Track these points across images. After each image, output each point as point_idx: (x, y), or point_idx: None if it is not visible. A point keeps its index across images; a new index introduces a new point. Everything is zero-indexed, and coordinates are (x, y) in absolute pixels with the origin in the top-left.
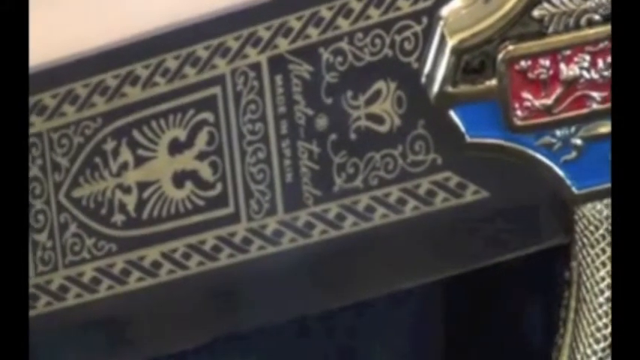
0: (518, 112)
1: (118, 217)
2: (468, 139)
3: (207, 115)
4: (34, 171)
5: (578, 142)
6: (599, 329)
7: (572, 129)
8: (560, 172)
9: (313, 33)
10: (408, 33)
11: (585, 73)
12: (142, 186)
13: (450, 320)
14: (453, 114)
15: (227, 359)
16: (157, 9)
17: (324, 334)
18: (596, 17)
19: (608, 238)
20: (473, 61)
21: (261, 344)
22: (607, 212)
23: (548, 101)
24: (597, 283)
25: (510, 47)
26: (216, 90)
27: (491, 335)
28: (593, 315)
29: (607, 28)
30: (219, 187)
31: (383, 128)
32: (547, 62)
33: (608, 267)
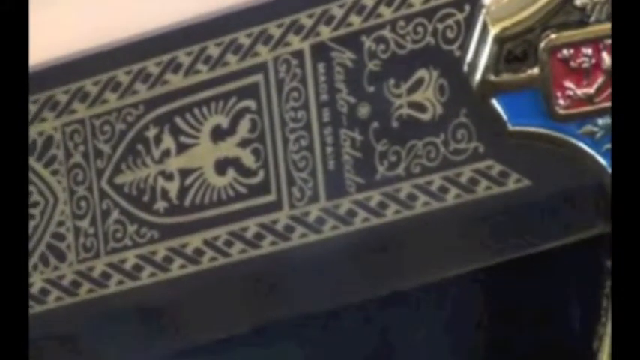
0: (560, 101)
1: (161, 204)
2: (510, 127)
3: (250, 103)
4: (76, 158)
5: None
6: None
7: None
8: (602, 161)
9: (355, 21)
10: (450, 21)
11: None
12: (184, 173)
13: (489, 309)
14: (495, 102)
15: (269, 345)
16: None
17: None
18: None
19: None
20: (515, 49)
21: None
22: None
23: (590, 90)
24: None
25: (552, 36)
26: (258, 77)
27: (532, 325)
28: None
29: None
30: (261, 174)
31: (425, 116)
32: (589, 51)
33: None
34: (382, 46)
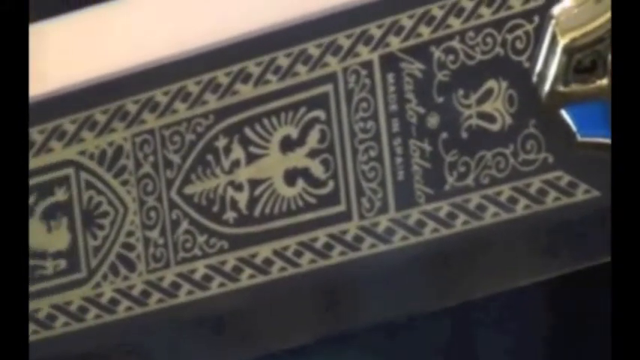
0: None
1: (230, 215)
2: (579, 138)
3: (319, 113)
4: (146, 168)
5: None
6: None
7: None
8: None
9: (425, 32)
10: (519, 32)
11: None
12: (254, 183)
13: (557, 320)
14: (564, 113)
15: (337, 355)
16: (267, 7)
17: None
18: None
19: None
20: (584, 60)
21: (370, 341)
22: None
23: None
24: None
25: None
26: (327, 88)
27: (600, 334)
28: None
29: None
30: (330, 184)
31: (494, 127)
32: None
33: None
34: (451, 57)
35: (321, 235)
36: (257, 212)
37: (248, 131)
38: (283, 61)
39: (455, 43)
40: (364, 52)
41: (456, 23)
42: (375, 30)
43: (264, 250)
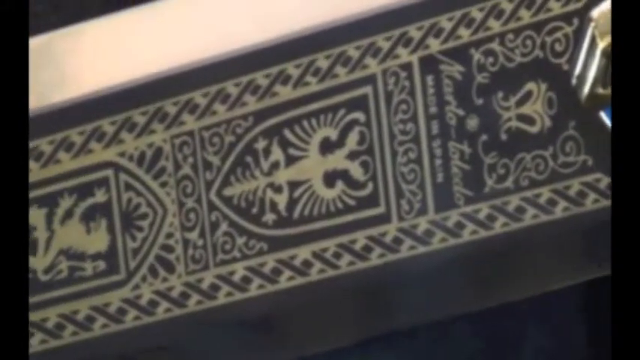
0: None
1: (269, 216)
2: None
3: (359, 115)
4: (185, 169)
5: None
6: None
7: None
8: None
9: (464, 34)
10: (558, 34)
11: None
12: (293, 185)
13: (596, 322)
14: (603, 115)
15: (376, 357)
16: (307, 9)
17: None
18: None
19: None
20: None
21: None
22: None
23: None
24: None
25: None
26: (367, 90)
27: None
28: None
29: None
30: (370, 186)
31: (534, 129)
32: None
33: None
34: (491, 59)
35: (361, 237)
36: (296, 214)
37: (287, 133)
38: (323, 62)
39: (494, 46)
40: (404, 54)
41: (495, 25)
42: (414, 32)
43: (304, 252)
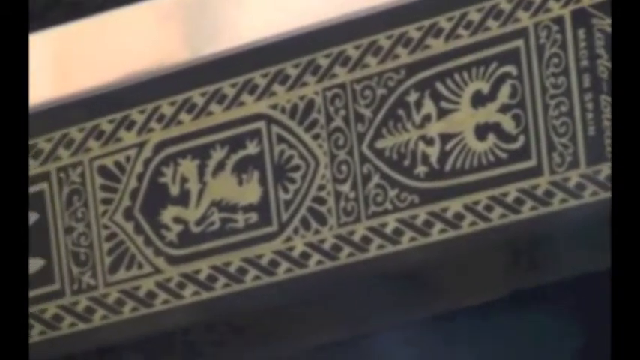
0: None
1: (421, 169)
2: None
3: (510, 68)
4: (337, 122)
5: None
6: None
7: None
8: None
9: None
10: None
11: None
12: (445, 138)
13: None
14: None
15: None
16: None
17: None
18: None
19: None
20: None
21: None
22: None
23: None
24: None
25: None
26: (519, 43)
27: None
28: None
29: None
30: (521, 139)
31: None
32: None
33: None
34: None
35: (512, 190)
36: (448, 167)
37: (439, 86)
38: (475, 16)
39: None
40: (555, 8)
41: None
42: None
43: (455, 205)
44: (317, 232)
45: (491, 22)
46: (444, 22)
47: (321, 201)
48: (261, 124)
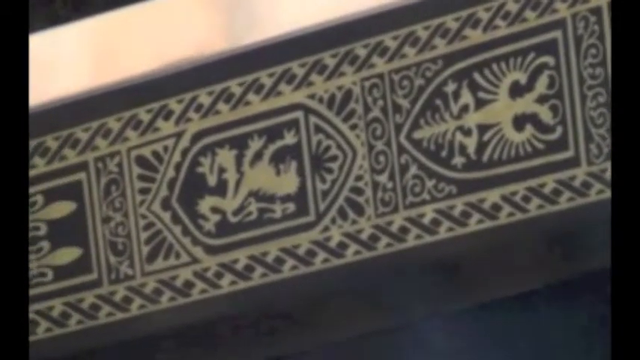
0: None
1: (458, 160)
2: None
3: (548, 59)
4: (375, 112)
5: None
6: None
7: None
8: None
9: None
10: None
11: None
12: (483, 128)
13: None
14: None
15: (568, 302)
16: None
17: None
18: None
19: None
20: None
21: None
22: None
23: None
24: None
25: None
26: (556, 34)
27: None
28: None
29: None
30: (559, 130)
31: None
32: None
33: None
34: None
35: (550, 181)
36: (485, 157)
37: (477, 76)
38: (512, 6)
39: None
40: None
41: None
42: None
43: (493, 195)
44: (354, 222)
45: (528, 13)
46: (481, 12)
47: (358, 191)
48: (298, 114)
